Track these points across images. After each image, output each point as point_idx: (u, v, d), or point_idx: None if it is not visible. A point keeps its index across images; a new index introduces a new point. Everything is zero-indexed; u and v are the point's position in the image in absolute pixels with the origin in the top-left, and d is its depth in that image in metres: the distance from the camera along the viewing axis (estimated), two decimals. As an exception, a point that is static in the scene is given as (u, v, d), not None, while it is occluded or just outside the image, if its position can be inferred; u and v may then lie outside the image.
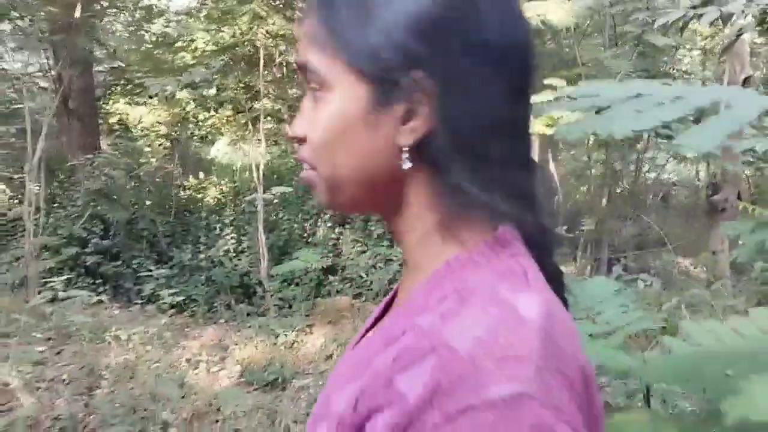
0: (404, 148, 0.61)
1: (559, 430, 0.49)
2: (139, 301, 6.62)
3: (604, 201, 8.24)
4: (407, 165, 0.61)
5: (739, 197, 7.12)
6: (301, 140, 0.66)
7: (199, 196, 10.08)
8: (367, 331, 0.79)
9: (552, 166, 7.55)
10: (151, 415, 3.87)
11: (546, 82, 6.57)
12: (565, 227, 7.30)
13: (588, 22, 7.84)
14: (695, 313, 4.80)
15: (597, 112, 0.88)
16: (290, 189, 6.38)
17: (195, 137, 12.70)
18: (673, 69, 8.63)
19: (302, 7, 0.63)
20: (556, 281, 0.64)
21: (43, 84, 9.83)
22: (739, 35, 3.85)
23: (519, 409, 0.49)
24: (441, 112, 0.59)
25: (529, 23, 0.64)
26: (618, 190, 8.40)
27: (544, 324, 0.54)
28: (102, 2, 8.41)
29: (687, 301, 5.27)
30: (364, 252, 7.16)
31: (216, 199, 9.98)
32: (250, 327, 6.02)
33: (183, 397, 4.11)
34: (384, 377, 0.55)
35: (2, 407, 3.76)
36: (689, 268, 8.21)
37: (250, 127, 9.38)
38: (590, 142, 7.57)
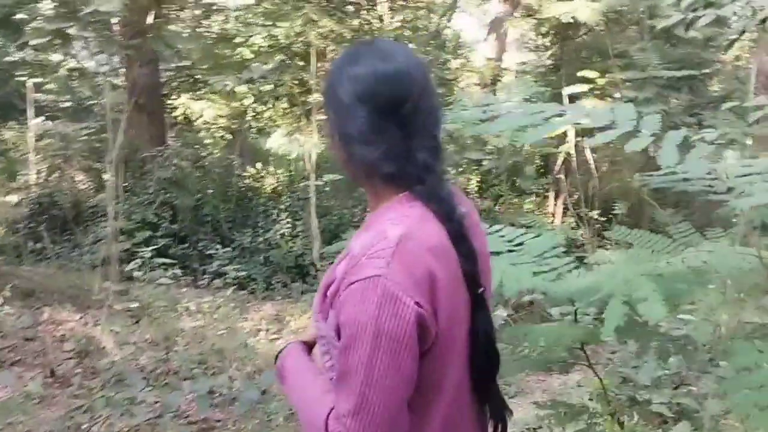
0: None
1: (400, 296, 1.01)
2: (206, 278, 7.32)
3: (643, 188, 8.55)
4: (342, 155, 1.18)
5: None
6: None
7: (257, 184, 10.77)
8: None
9: (588, 153, 7.91)
10: (219, 370, 4.52)
11: (579, 74, 6.97)
12: (598, 212, 7.67)
13: (624, 14, 8.14)
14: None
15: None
16: (340, 176, 6.95)
17: (253, 129, 13.46)
18: (714, 61, 8.80)
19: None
20: (448, 219, 1.14)
21: (115, 82, 10.67)
22: (741, 33, 4.20)
23: (376, 283, 1.02)
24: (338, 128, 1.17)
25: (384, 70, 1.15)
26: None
27: (399, 242, 1.06)
28: (170, 6, 9.12)
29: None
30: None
31: (273, 187, 10.67)
32: (304, 302, 6.65)
33: (246, 356, 4.75)
34: (334, 267, 1.13)
35: (99, 362, 4.47)
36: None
37: (304, 119, 10.02)
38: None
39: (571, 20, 6.31)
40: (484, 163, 6.20)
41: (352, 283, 1.03)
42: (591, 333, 1.57)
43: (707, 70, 7.79)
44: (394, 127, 1.12)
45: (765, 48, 6.63)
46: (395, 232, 1.07)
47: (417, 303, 1.02)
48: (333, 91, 1.17)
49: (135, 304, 5.83)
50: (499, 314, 5.09)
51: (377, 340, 1.00)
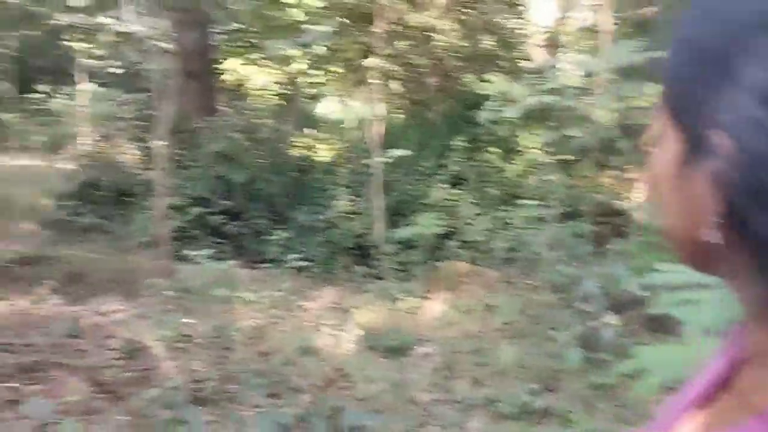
0: (713, 211, 0.50)
1: None
2: (262, 259, 6.81)
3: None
4: (713, 238, 0.51)
5: None
6: None
7: (313, 155, 10.19)
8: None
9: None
10: (283, 379, 3.98)
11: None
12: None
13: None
14: None
15: None
16: (407, 153, 6.30)
17: (306, 95, 12.84)
18: None
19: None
20: None
21: (164, 46, 10.18)
22: None
23: None
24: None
25: None
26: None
27: None
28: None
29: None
30: (481, 215, 7.02)
31: (329, 159, 10.08)
32: (367, 291, 6.07)
33: (314, 365, 4.20)
34: None
35: (145, 370, 3.97)
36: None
37: (363, 85, 9.37)
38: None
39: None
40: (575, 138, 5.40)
41: None
42: None
43: None
44: None
45: None
46: None
47: None
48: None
49: (187, 294, 5.34)
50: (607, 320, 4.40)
51: None
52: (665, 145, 0.55)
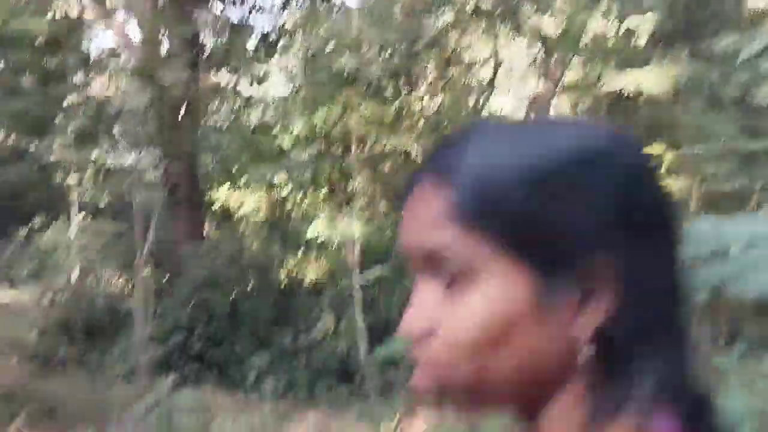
0: (583, 339, 0.54)
1: None
2: (244, 387, 6.71)
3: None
4: (586, 358, 0.54)
5: None
6: (422, 338, 0.56)
7: (299, 278, 10.24)
8: None
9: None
10: None
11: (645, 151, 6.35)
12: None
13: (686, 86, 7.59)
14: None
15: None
16: (386, 273, 6.37)
17: (293, 217, 13.08)
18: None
19: (423, 177, 0.55)
20: None
21: (152, 177, 10.46)
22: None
23: None
24: (627, 294, 0.54)
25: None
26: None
27: None
28: (205, 100, 8.94)
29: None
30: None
31: (313, 281, 10.13)
32: (351, 414, 5.95)
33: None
34: None
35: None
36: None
37: (346, 206, 9.57)
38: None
39: (632, 93, 5.78)
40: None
41: None
42: None
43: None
44: None
45: None
46: None
47: None
48: (640, 203, 0.55)
49: (162, 423, 5.21)
50: None
51: None
52: (497, 289, 0.53)
